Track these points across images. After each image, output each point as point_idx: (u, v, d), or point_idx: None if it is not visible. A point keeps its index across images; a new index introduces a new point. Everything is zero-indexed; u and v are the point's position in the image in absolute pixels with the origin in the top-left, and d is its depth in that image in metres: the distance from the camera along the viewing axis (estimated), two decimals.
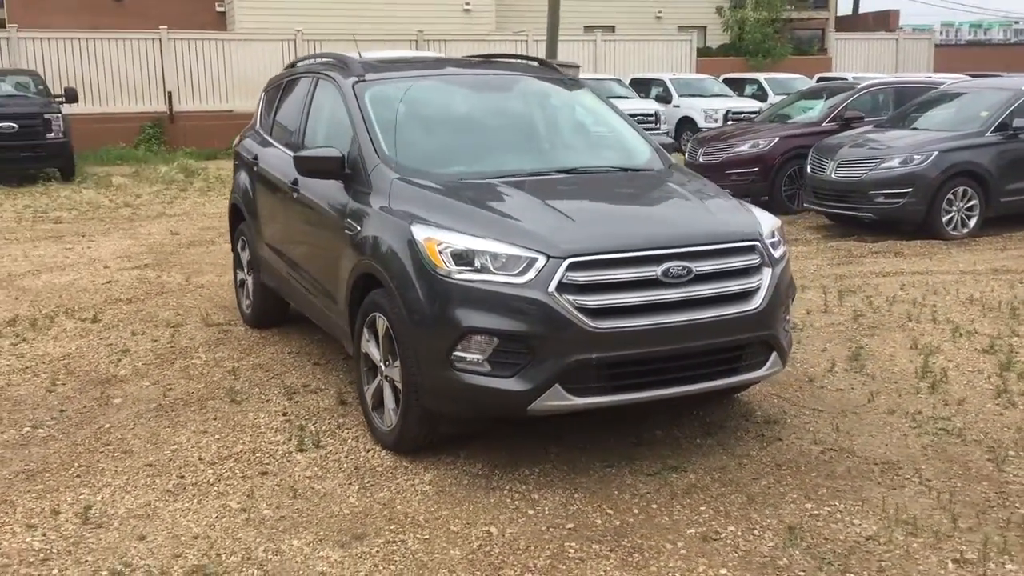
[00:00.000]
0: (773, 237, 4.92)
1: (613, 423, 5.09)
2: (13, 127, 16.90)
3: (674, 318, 4.38)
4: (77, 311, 7.74)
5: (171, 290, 8.61)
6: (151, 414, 5.39)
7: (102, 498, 4.36)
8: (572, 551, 3.85)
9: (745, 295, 4.58)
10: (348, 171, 5.23)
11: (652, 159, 5.68)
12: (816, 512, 4.15)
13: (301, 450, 4.87)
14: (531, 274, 4.25)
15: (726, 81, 25.40)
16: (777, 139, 13.33)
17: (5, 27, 23.29)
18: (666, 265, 4.36)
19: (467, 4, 28.07)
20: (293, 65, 7.27)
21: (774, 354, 4.73)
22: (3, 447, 4.97)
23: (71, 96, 18.99)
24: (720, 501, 4.27)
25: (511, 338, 4.25)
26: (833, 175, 11.46)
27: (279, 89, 6.99)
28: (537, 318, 4.21)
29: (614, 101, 21.64)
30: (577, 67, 20.69)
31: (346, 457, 4.79)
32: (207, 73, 23.72)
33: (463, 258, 4.34)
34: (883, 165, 11.13)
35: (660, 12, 32.13)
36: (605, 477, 4.52)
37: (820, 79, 23.72)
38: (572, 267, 4.26)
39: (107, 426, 5.22)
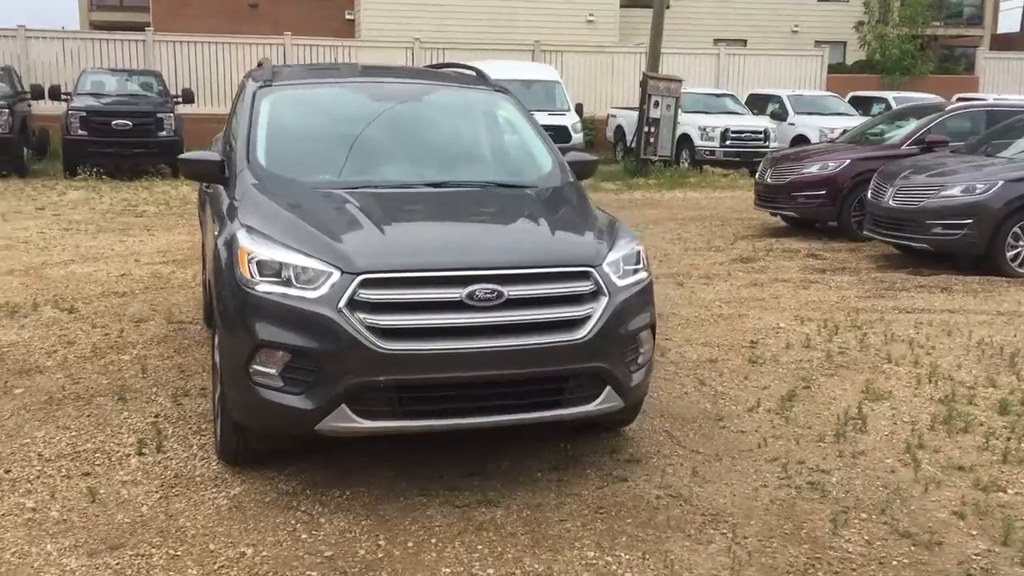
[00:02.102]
0: (630, 264, 4.59)
1: (465, 448, 4.86)
2: (128, 124, 17.89)
3: (479, 344, 4.13)
4: (64, 301, 8.03)
5: (171, 286, 8.84)
6: (36, 407, 5.50)
7: None
8: None
9: (570, 324, 4.28)
10: (227, 175, 5.21)
11: (550, 176, 5.42)
12: (593, 562, 3.82)
13: (140, 454, 4.86)
14: (324, 289, 4.09)
15: (853, 100, 24.23)
16: (848, 161, 12.57)
17: (143, 30, 24.67)
18: (472, 287, 4.12)
19: (591, 15, 27.84)
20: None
21: (608, 389, 4.40)
22: None
23: (188, 97, 19.94)
24: (505, 542, 3.98)
25: (300, 354, 4.11)
26: (891, 202, 10.69)
27: (238, 93, 7.06)
28: (324, 335, 4.05)
29: (727, 116, 21.23)
30: (679, 81, 20.23)
31: (176, 464, 4.74)
32: None
33: (269, 269, 4.23)
34: (943, 193, 10.30)
35: (796, 26, 30.97)
36: (410, 506, 4.31)
37: (959, 99, 22.32)
38: (365, 284, 4.08)
39: None
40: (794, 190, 12.75)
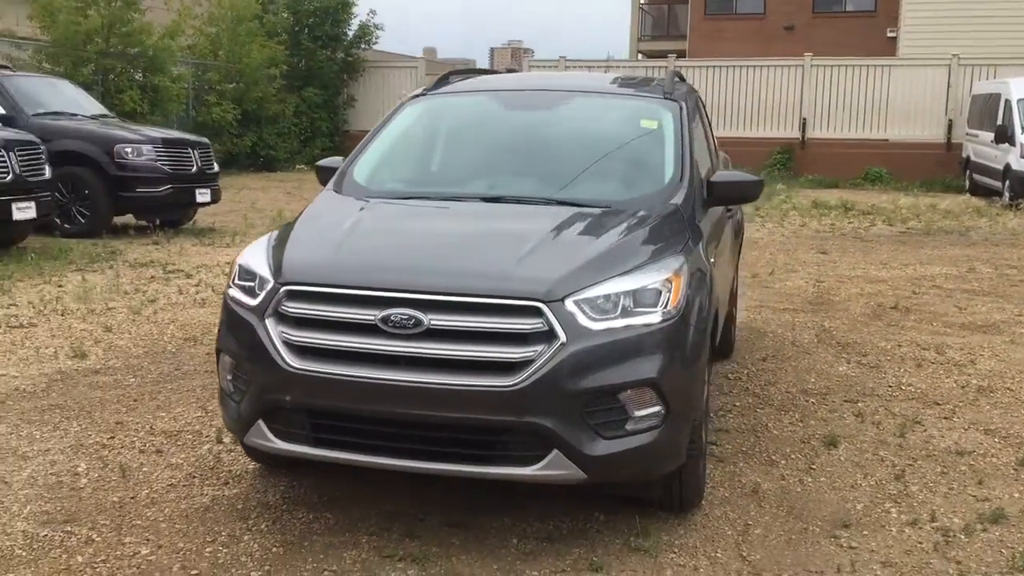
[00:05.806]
0: (641, 303, 3.65)
1: (493, 495, 4.28)
2: None
3: (393, 376, 3.59)
4: None
5: None
6: (213, 387, 5.97)
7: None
8: None
9: (506, 366, 3.53)
10: None
11: (651, 197, 4.54)
12: None
13: (219, 441, 5.04)
14: (260, 297, 3.90)
15: None
16: None
17: (667, 56, 25.46)
18: (388, 311, 3.61)
19: None
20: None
21: (555, 453, 3.54)
22: (93, 387, 6.03)
23: None
24: None
25: (237, 362, 3.97)
26: None
27: None
28: (250, 345, 3.86)
29: None
30: None
31: (228, 457, 4.83)
32: (847, 99, 23.09)
33: (245, 274, 4.11)
34: None
35: None
36: (340, 545, 3.89)
37: None
38: (291, 296, 3.80)
39: (171, 387, 5.97)
40: None
